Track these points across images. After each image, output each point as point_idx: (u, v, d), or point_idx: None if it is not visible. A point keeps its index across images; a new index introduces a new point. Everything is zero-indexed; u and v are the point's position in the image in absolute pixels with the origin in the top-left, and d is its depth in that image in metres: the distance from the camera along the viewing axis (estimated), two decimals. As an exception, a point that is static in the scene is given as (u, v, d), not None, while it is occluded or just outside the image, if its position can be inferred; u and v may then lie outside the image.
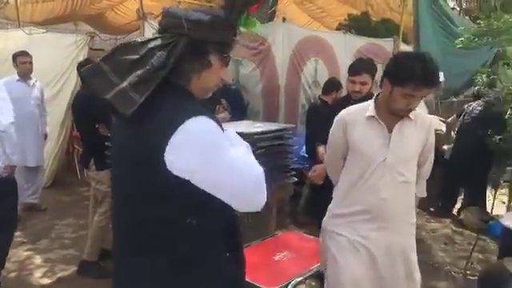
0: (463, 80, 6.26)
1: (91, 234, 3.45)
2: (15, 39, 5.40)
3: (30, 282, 3.35)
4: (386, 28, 6.93)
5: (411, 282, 2.02)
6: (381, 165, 1.93)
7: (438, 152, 4.34)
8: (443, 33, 5.85)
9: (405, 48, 6.17)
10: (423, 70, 1.75)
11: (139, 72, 1.15)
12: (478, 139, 4.52)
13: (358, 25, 7.19)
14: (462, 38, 4.86)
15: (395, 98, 1.85)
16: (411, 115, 1.94)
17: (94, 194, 3.55)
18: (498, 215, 4.57)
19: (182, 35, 1.19)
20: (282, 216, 4.35)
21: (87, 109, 3.28)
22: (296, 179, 3.75)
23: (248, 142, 3.14)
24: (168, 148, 1.11)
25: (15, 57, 4.56)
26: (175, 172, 1.12)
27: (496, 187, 4.95)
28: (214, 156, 1.13)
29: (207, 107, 1.24)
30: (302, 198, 4.66)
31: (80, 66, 3.74)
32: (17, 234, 3.58)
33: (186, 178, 1.13)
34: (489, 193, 5.13)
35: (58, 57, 5.40)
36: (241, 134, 2.99)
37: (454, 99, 6.72)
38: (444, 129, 5.15)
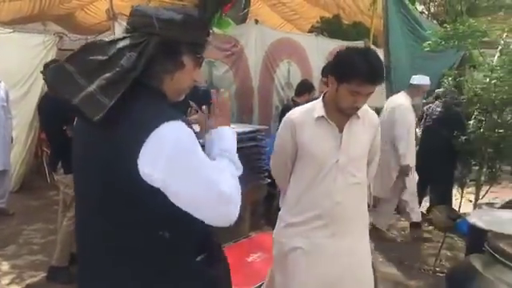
0: (431, 82, 6.43)
1: (60, 239, 3.36)
2: (-20, 39, 5.24)
3: (-3, 290, 3.25)
4: (357, 31, 7.04)
5: (367, 285, 2.00)
6: (333, 167, 1.87)
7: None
8: (412, 36, 5.98)
9: (375, 51, 6.30)
10: (367, 64, 1.71)
11: (108, 74, 1.09)
12: (441, 140, 4.68)
13: (330, 27, 7.28)
14: (430, 42, 5.01)
15: (342, 96, 1.80)
16: (359, 113, 1.88)
17: (63, 197, 3.46)
18: (465, 213, 4.71)
19: (153, 35, 1.14)
20: (256, 217, 4.37)
21: (54, 110, 3.18)
22: (270, 180, 3.77)
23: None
24: (141, 154, 1.05)
25: (-21, 57, 4.42)
26: (147, 179, 1.07)
27: (463, 186, 5.12)
28: (181, 165, 1.08)
29: (179, 109, 1.21)
30: (276, 199, 4.67)
31: (46, 67, 3.65)
32: (-17, 240, 3.46)
33: (156, 187, 1.07)
34: (456, 192, 5.29)
35: (26, 57, 5.27)
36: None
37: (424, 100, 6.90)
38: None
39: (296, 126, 1.92)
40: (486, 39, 5.07)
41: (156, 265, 1.17)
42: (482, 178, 4.85)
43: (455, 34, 4.68)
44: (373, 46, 5.95)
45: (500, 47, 5.13)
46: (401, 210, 4.67)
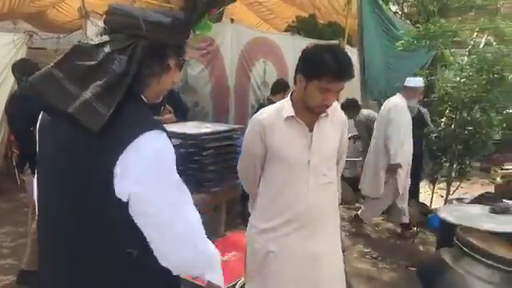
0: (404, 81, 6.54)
1: (30, 242, 3.28)
2: None
3: (-36, 295, 3.16)
4: (333, 30, 7.09)
5: (339, 285, 2.01)
6: (305, 168, 1.83)
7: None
8: (385, 36, 6.08)
9: (350, 50, 6.37)
10: (336, 61, 1.69)
11: (101, 81, 1.05)
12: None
13: (306, 27, 7.31)
14: (403, 41, 5.11)
15: (311, 94, 1.76)
16: (328, 110, 1.84)
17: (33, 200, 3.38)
18: (436, 208, 4.83)
19: (140, 37, 1.10)
20: (231, 216, 4.35)
21: (22, 110, 3.10)
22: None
23: (196, 142, 3.08)
24: (118, 165, 1.04)
25: None
26: (119, 192, 1.05)
27: (434, 182, 5.24)
28: (156, 176, 1.08)
29: (154, 110, 1.19)
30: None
31: (15, 65, 3.57)
32: (-51, 243, 3.35)
33: (124, 200, 1.06)
34: (428, 187, 5.41)
35: (-6, 56, 5.11)
36: (189, 135, 2.94)
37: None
38: None
39: (265, 128, 1.85)
40: (456, 39, 5.21)
41: (118, 282, 1.15)
42: (453, 174, 4.98)
43: (427, 33, 4.79)
44: (347, 46, 6.01)
45: (469, 47, 5.28)
46: (390, 211, 4.71)
